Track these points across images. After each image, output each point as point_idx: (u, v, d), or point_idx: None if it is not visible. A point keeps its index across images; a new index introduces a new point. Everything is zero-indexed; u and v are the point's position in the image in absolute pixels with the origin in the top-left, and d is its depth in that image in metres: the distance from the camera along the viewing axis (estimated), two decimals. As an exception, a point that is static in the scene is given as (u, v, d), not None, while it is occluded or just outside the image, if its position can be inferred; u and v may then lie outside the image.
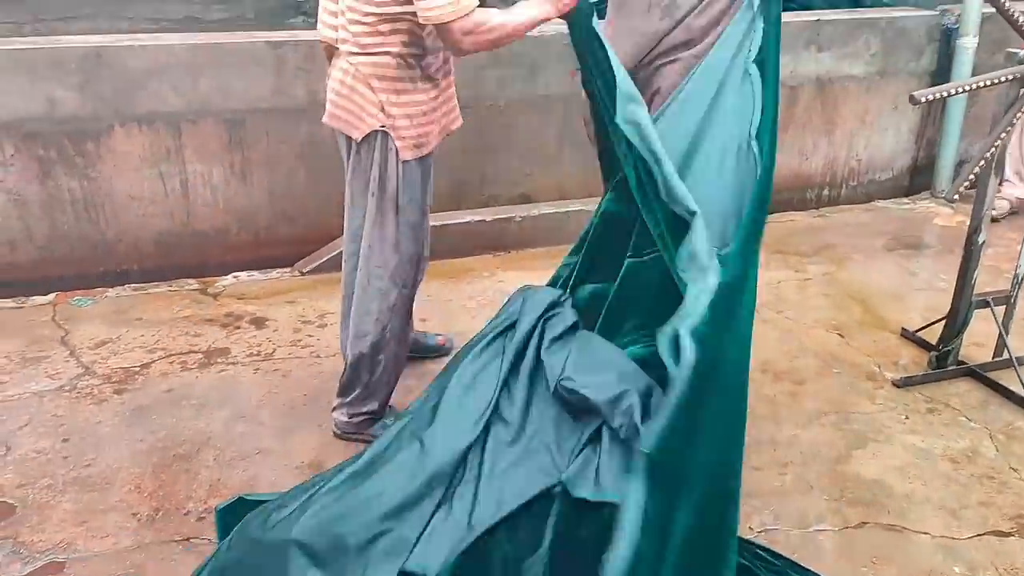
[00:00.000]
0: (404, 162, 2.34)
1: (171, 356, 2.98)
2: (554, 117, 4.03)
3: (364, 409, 2.58)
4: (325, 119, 2.42)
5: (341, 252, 2.67)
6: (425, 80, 2.32)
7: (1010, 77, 2.51)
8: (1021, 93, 2.56)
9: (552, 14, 2.11)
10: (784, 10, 2.19)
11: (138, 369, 2.90)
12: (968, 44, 4.33)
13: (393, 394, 2.63)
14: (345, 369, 2.58)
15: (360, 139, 2.32)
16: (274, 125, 3.65)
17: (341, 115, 2.35)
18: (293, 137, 3.70)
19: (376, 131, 2.30)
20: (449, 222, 3.89)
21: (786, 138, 4.42)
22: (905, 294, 3.63)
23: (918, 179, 4.82)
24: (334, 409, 2.61)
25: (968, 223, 2.84)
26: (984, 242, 2.82)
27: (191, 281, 3.57)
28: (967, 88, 2.51)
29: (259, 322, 3.27)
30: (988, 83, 2.51)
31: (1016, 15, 2.48)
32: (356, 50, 2.26)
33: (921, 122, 4.71)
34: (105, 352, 3.00)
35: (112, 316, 3.26)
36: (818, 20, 4.35)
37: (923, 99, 2.45)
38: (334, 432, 2.61)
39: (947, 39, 4.43)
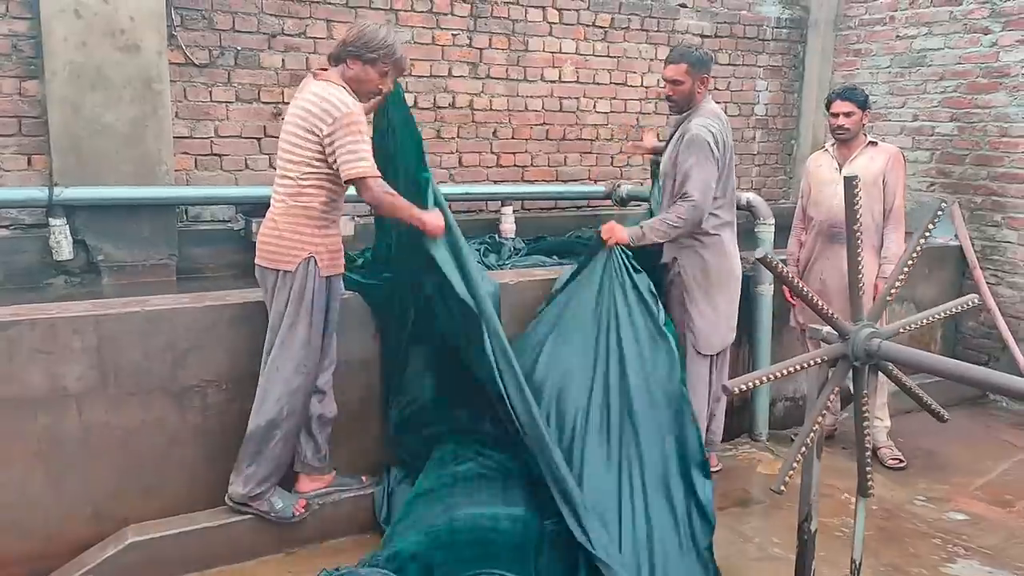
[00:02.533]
0: (322, 277, 3.15)
1: None
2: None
3: (257, 480, 3.20)
4: (261, 263, 3.18)
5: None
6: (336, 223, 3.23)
7: (818, 360, 2.36)
8: (830, 375, 2.41)
9: (419, 223, 3.16)
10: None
11: None
12: (765, 292, 4.42)
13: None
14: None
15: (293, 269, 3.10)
16: (2, 419, 3.00)
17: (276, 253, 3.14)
18: (28, 432, 3.06)
19: (305, 258, 3.10)
20: (217, 523, 3.28)
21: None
22: (742, 568, 3.32)
23: (734, 421, 4.70)
24: (230, 484, 3.22)
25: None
26: (816, 530, 2.57)
27: None
28: (779, 375, 2.33)
29: None
30: (798, 367, 2.34)
31: (790, 276, 2.37)
32: (289, 199, 3.11)
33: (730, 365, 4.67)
34: None
35: None
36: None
37: (736, 389, 2.23)
38: (228, 504, 3.25)
39: (746, 286, 4.49)
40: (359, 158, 2.98)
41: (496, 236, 5.03)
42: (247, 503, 3.23)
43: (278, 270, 3.14)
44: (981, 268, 5.30)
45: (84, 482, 3.18)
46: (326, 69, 3.19)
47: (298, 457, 3.39)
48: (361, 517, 3.53)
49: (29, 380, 3.03)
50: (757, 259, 2.23)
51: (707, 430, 4.05)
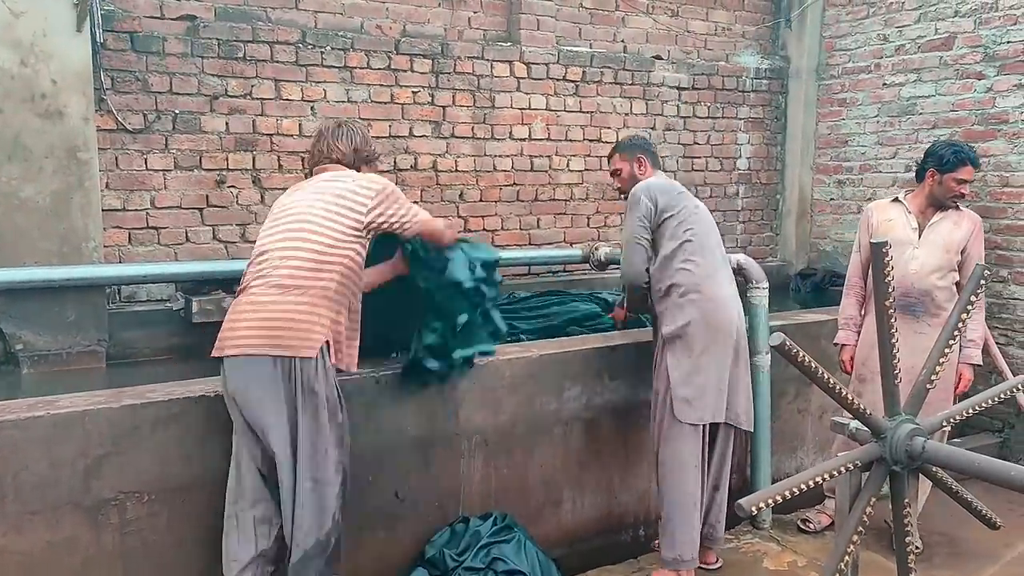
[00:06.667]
0: (333, 366, 2.79)
1: None
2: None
3: None
4: (264, 351, 2.69)
5: None
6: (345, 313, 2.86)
7: (850, 466, 1.93)
8: (865, 479, 1.99)
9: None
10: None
11: None
12: (761, 362, 4.00)
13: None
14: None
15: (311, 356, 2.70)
16: None
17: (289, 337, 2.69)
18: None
19: (323, 342, 2.73)
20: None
21: (589, 474, 3.77)
22: None
23: (733, 506, 4.25)
24: None
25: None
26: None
27: None
28: (803, 487, 1.90)
29: None
30: (826, 476, 1.91)
31: (809, 362, 1.96)
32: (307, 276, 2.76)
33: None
34: None
35: None
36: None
37: (752, 510, 1.80)
38: None
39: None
40: (415, 212, 3.03)
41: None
42: None
43: (293, 358, 2.70)
44: (988, 327, 4.93)
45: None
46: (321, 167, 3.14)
47: None
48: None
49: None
50: (773, 347, 1.81)
51: (704, 523, 3.60)
